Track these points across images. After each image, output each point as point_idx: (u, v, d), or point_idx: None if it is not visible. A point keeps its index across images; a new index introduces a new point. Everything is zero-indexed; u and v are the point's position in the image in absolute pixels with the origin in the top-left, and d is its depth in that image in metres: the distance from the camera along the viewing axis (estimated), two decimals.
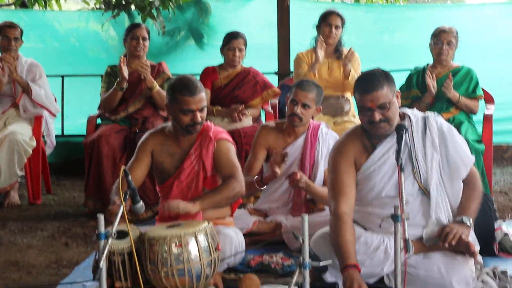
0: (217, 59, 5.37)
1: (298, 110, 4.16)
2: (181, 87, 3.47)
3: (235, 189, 3.47)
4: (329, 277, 3.22)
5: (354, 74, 5.07)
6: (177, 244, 3.07)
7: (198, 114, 3.46)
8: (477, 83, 5.08)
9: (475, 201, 3.25)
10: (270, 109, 5.47)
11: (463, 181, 3.28)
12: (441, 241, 3.12)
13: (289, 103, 4.21)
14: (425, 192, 3.23)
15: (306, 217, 2.69)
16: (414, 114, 3.30)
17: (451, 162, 3.24)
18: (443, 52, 5.02)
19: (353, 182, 3.25)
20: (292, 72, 5.79)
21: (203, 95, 3.50)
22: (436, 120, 3.29)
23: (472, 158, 3.30)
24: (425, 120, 3.27)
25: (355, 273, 2.99)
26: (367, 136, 3.27)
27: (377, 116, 3.13)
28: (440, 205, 3.22)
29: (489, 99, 5.31)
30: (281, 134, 4.30)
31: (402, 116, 3.28)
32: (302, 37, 5.98)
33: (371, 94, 3.12)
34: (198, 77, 4.60)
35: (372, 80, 3.14)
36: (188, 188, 3.57)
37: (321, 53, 5.11)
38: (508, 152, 6.85)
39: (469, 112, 5.04)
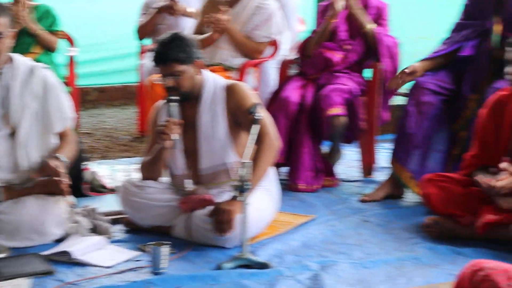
0: None
1: None
2: None
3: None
4: None
5: None
6: None
7: None
8: (55, 20, 5.04)
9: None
10: None
11: None
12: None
13: None
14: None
15: None
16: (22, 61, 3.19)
17: (47, 115, 3.20)
18: None
19: None
20: None
21: None
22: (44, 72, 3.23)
23: (70, 115, 3.30)
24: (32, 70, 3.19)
25: None
26: None
27: None
28: (29, 151, 3.16)
29: (71, 41, 5.34)
30: None
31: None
32: None
33: None
34: None
35: None
36: None
37: None
38: (91, 95, 7.03)
39: (49, 49, 4.97)
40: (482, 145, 3.31)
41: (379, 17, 4.39)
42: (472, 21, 3.98)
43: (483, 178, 3.15)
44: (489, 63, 3.85)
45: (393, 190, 3.98)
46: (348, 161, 4.61)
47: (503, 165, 3.07)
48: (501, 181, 3.07)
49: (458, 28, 4.04)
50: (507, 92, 3.30)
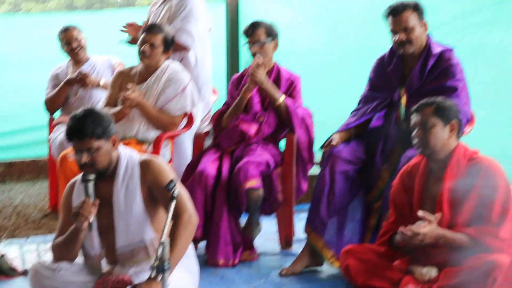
0: None
1: None
2: None
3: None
4: None
5: None
6: None
7: None
8: None
9: None
10: None
11: None
12: None
13: None
14: None
15: None
16: None
17: None
18: None
19: None
20: None
21: None
22: None
23: None
24: None
25: None
26: None
27: None
28: None
29: None
30: None
31: None
32: None
33: None
34: None
35: None
36: None
37: None
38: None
39: None
40: (397, 212, 3.38)
41: (291, 89, 4.46)
42: (379, 93, 4.09)
43: (405, 228, 3.16)
44: (398, 133, 3.95)
45: (311, 261, 3.98)
46: (267, 234, 4.59)
47: (420, 213, 3.13)
48: (423, 228, 3.12)
49: (365, 100, 4.15)
50: (416, 161, 3.39)
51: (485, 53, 4.79)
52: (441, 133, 3.26)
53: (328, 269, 3.96)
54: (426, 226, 3.11)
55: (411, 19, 3.84)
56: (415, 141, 3.32)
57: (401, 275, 3.25)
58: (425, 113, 3.28)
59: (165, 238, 2.81)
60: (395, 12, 3.88)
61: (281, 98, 4.35)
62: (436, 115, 3.26)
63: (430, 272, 3.18)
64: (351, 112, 4.16)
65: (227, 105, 4.51)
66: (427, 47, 3.90)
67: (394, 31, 3.90)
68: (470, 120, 3.91)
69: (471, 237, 3.11)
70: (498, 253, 3.04)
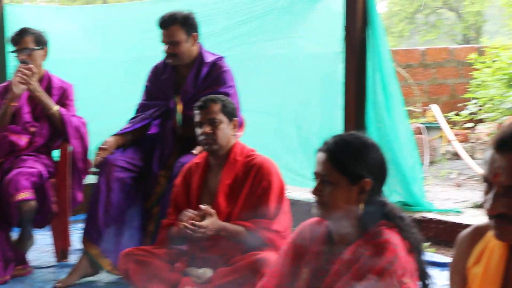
0: None
1: None
2: None
3: None
4: None
5: None
6: None
7: None
8: None
9: None
10: None
11: None
12: None
13: None
14: None
15: None
16: None
17: None
18: None
19: None
20: None
21: None
22: None
23: None
24: None
25: None
26: None
27: None
28: None
29: None
30: None
31: None
32: None
33: None
34: None
35: None
36: None
37: None
38: None
39: None
40: (177, 210, 3.39)
41: (64, 98, 4.35)
42: (155, 101, 4.13)
43: (186, 221, 3.14)
44: (174, 140, 4.02)
45: (87, 270, 3.91)
46: (41, 246, 4.43)
47: (202, 207, 3.17)
48: (205, 221, 3.15)
49: (142, 108, 4.18)
50: (198, 160, 3.46)
51: (252, 62, 5.03)
52: (227, 130, 3.34)
53: (106, 277, 3.90)
54: (209, 219, 3.17)
55: (178, 34, 3.93)
56: (201, 137, 3.34)
57: (179, 277, 3.28)
58: (213, 110, 3.33)
59: None
60: (163, 25, 3.96)
61: (55, 107, 4.22)
62: (223, 112, 3.34)
63: (206, 273, 3.25)
64: (128, 120, 4.16)
65: None
66: (200, 56, 4.02)
67: (164, 42, 3.97)
68: (241, 124, 4.08)
69: (248, 229, 3.22)
70: (269, 248, 3.17)
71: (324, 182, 2.30)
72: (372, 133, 4.46)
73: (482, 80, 7.77)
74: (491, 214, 1.73)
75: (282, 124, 5.02)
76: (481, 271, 1.83)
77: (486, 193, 1.74)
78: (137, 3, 6.34)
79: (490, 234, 1.82)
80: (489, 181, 1.73)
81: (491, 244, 1.85)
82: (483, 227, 1.89)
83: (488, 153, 1.74)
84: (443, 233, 4.32)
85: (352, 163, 2.28)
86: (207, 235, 3.17)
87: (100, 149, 3.94)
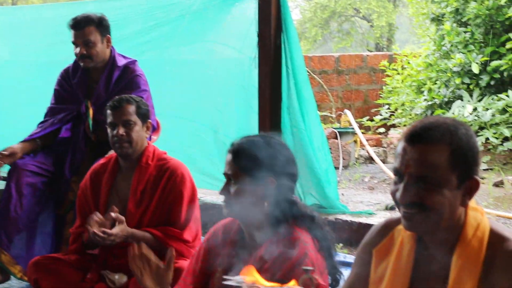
0: None
1: None
2: None
3: None
4: None
5: None
6: None
7: None
8: None
9: None
10: None
11: None
12: None
13: None
14: None
15: None
16: None
17: None
18: None
19: None
20: None
21: None
22: None
23: None
24: None
25: None
26: None
27: None
28: None
29: None
30: None
31: None
32: None
33: None
34: None
35: None
36: None
37: None
38: None
39: None
40: (83, 215, 3.28)
41: None
42: (65, 105, 4.05)
43: (94, 229, 3.02)
44: (86, 145, 3.94)
45: None
46: None
47: (113, 214, 3.07)
48: (114, 228, 3.06)
49: (51, 112, 4.08)
50: (105, 160, 3.38)
51: (166, 66, 4.99)
52: (141, 132, 3.26)
53: (17, 283, 3.78)
54: (118, 226, 3.06)
55: (93, 35, 3.88)
56: (114, 139, 3.22)
57: (93, 285, 3.19)
58: (128, 111, 3.23)
59: None
60: (77, 26, 3.88)
61: None
62: (137, 114, 3.24)
63: (121, 278, 3.19)
64: (38, 124, 4.05)
65: None
66: (112, 60, 3.96)
67: (75, 44, 3.90)
68: (157, 128, 4.04)
69: (157, 237, 3.14)
70: (183, 257, 3.10)
71: (231, 182, 2.32)
72: (287, 137, 4.50)
73: (394, 86, 8.00)
74: (402, 203, 1.78)
75: (198, 128, 4.99)
76: (391, 263, 1.88)
77: (396, 183, 1.80)
78: (48, 5, 6.19)
79: (400, 227, 1.88)
80: (400, 172, 1.78)
81: (401, 236, 1.90)
82: (394, 221, 1.96)
83: (400, 145, 1.80)
84: (356, 234, 4.40)
85: (253, 163, 2.28)
86: (116, 242, 3.07)
87: (0, 154, 3.81)
